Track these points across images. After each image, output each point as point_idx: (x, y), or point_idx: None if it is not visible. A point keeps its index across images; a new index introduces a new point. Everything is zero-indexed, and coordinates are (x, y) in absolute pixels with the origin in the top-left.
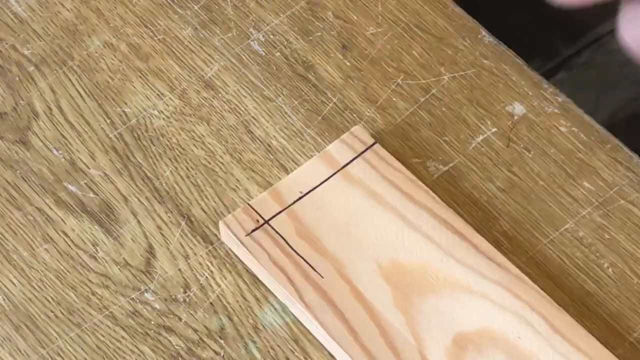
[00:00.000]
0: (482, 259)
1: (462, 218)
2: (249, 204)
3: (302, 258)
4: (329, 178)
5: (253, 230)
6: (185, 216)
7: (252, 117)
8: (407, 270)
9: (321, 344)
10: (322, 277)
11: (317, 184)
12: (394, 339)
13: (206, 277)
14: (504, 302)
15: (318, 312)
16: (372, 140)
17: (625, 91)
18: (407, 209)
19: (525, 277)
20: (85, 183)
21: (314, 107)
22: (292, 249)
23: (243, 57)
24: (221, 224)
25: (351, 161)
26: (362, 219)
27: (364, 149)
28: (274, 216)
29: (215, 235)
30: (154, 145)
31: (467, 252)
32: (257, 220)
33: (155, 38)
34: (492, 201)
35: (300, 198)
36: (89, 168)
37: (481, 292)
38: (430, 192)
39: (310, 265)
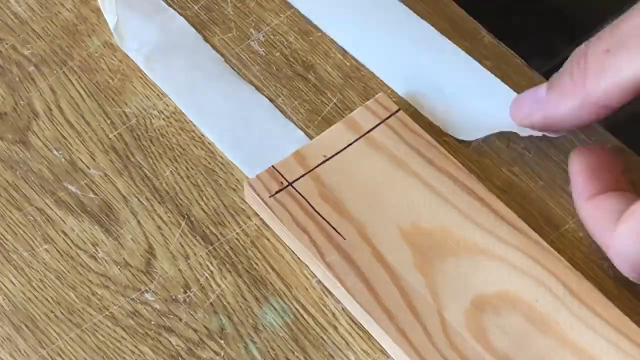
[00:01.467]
0: (503, 224)
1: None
2: (273, 167)
3: (325, 220)
4: (352, 143)
5: (277, 192)
6: (186, 216)
7: None
8: (428, 233)
9: (321, 344)
10: (344, 239)
11: (341, 149)
12: (414, 299)
13: (206, 277)
14: (523, 266)
15: (339, 272)
16: (395, 107)
17: None
18: (430, 175)
19: (544, 242)
20: (85, 183)
21: (314, 107)
22: (315, 210)
23: (243, 57)
24: (246, 185)
25: (375, 127)
26: (384, 184)
27: (387, 115)
28: (297, 179)
29: (215, 235)
30: (154, 145)
31: (487, 217)
32: (281, 182)
33: None
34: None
35: (323, 162)
36: (89, 168)
37: (501, 256)
38: (453, 159)
39: (333, 227)
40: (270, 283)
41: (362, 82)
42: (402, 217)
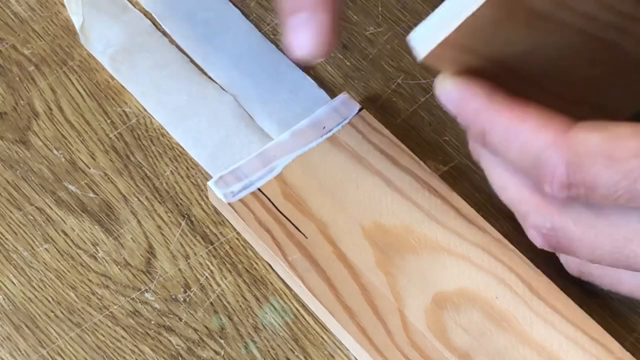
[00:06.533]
0: (463, 221)
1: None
2: (237, 167)
3: (287, 219)
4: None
5: (240, 192)
6: (186, 216)
7: None
8: (390, 231)
9: (321, 343)
10: (306, 238)
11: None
12: (375, 297)
13: (206, 277)
14: (483, 264)
15: (301, 271)
16: (358, 106)
17: None
18: (392, 173)
19: (505, 240)
20: (86, 183)
21: None
22: (278, 210)
23: None
24: (209, 185)
25: (338, 126)
26: (347, 183)
27: (351, 114)
28: (260, 178)
29: (216, 235)
30: (154, 145)
31: (448, 215)
32: (245, 182)
33: None
34: (493, 201)
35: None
36: (89, 168)
37: (461, 254)
38: (415, 157)
39: (295, 226)
40: (270, 283)
41: (362, 82)
42: (365, 216)
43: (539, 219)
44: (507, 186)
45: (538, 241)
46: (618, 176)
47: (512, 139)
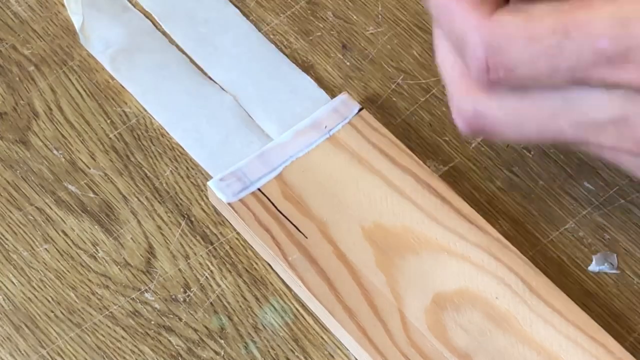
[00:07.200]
0: (464, 221)
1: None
2: (237, 167)
3: (287, 219)
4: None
5: (240, 192)
6: (186, 216)
7: None
8: (390, 231)
9: (321, 343)
10: (306, 238)
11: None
12: (374, 297)
13: (206, 277)
14: (483, 264)
15: (301, 271)
16: (358, 106)
17: None
18: (392, 173)
19: (505, 240)
20: (85, 183)
21: None
22: (278, 210)
23: None
24: (209, 186)
25: (338, 126)
26: (347, 183)
27: (351, 114)
28: (261, 179)
29: (216, 235)
30: (154, 145)
31: (448, 215)
32: (245, 183)
33: None
34: (492, 201)
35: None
36: (89, 168)
37: (461, 254)
38: (415, 157)
39: (295, 226)
40: (270, 283)
41: (362, 82)
42: (364, 216)
43: (462, 102)
44: (444, 62)
45: (459, 124)
46: (537, 53)
47: (446, 16)
